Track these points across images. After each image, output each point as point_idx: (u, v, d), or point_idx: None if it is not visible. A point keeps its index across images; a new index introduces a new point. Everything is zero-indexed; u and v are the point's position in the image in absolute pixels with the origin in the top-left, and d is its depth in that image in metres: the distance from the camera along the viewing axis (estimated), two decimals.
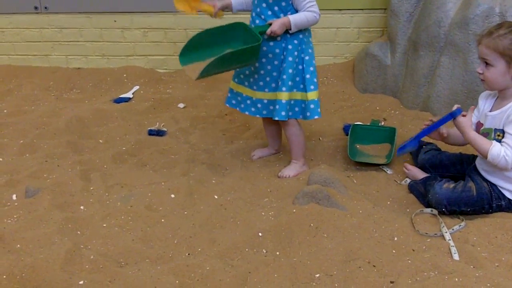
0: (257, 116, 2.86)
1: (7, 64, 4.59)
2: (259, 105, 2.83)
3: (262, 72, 2.76)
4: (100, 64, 4.53)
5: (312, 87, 2.75)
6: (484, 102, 2.50)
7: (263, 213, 2.48)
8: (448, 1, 3.41)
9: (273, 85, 2.76)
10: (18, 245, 2.31)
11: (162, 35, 4.39)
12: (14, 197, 2.70)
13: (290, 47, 2.70)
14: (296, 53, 2.71)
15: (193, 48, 2.69)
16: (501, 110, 2.37)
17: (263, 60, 2.74)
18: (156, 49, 4.44)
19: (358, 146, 3.14)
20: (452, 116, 2.41)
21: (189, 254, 2.25)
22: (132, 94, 4.08)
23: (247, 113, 2.89)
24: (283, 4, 2.65)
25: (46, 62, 4.59)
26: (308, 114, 2.77)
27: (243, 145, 3.22)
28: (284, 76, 2.70)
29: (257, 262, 2.17)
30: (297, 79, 2.74)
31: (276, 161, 3.04)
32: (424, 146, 2.84)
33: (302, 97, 2.76)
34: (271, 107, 2.79)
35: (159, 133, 3.41)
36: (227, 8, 2.82)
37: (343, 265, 2.13)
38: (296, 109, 2.79)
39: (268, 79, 2.76)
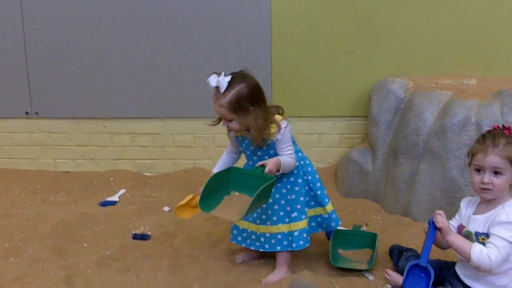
0: (261, 250, 2.95)
1: None
2: (262, 239, 2.92)
3: (276, 207, 2.88)
4: (88, 167, 4.60)
5: (326, 200, 2.96)
6: (467, 206, 2.55)
7: None
8: (426, 110, 3.54)
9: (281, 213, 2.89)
10: None
11: (150, 139, 4.49)
12: None
13: (300, 180, 2.88)
14: (302, 184, 2.90)
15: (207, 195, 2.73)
16: (486, 215, 2.41)
17: (277, 196, 2.86)
18: (143, 153, 4.53)
19: (340, 251, 3.17)
20: (433, 226, 2.48)
21: None
22: (118, 197, 4.13)
23: (252, 248, 2.98)
24: (271, 151, 2.81)
25: (35, 165, 4.65)
26: (333, 224, 2.98)
27: (226, 250, 3.24)
28: (298, 206, 2.87)
29: None
30: (307, 199, 2.91)
31: (259, 267, 3.04)
32: (404, 253, 2.88)
33: (320, 212, 2.96)
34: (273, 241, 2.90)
35: (143, 237, 3.43)
36: None
37: None
38: (313, 224, 2.97)
39: (281, 213, 2.88)
